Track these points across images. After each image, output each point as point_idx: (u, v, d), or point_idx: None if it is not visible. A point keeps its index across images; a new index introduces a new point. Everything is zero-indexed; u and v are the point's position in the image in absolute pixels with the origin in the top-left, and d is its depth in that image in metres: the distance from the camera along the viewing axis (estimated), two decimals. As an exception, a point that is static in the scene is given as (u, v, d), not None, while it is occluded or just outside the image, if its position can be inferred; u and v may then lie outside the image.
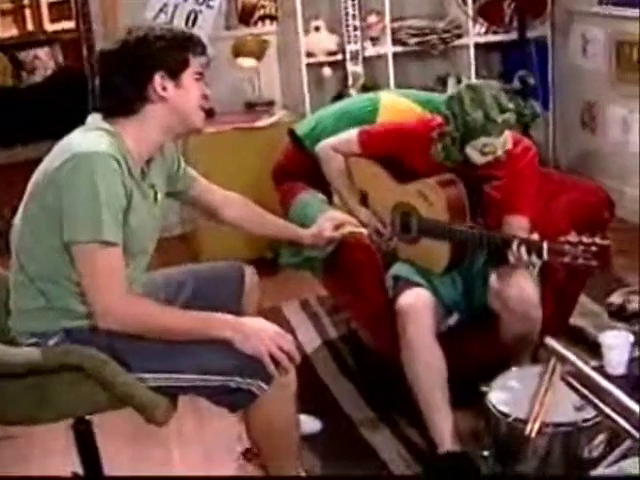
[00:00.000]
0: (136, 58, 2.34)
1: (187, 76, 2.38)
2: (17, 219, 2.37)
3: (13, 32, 8.31)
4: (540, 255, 2.61)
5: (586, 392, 2.04)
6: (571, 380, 2.09)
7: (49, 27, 8.33)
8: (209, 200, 2.79)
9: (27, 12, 8.31)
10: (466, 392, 2.76)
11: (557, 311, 3.19)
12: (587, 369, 1.97)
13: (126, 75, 2.34)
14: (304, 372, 3.48)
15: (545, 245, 2.60)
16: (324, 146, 3.27)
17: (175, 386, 2.31)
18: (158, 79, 2.33)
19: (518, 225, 2.91)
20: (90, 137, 2.29)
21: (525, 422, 2.46)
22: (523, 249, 2.64)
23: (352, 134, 3.19)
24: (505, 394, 2.62)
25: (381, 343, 3.12)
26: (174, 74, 2.36)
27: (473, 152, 2.85)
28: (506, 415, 2.52)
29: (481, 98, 2.78)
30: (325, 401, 3.35)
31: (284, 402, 2.35)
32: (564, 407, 2.45)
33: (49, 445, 2.99)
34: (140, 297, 2.35)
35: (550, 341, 2.10)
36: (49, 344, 2.32)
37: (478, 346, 3.03)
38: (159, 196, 2.48)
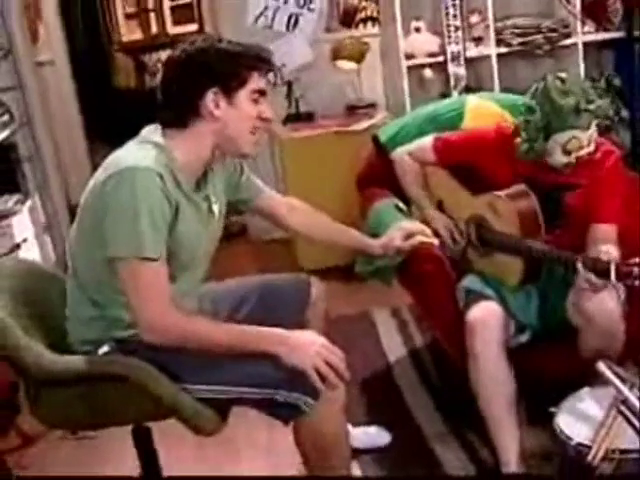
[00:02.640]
0: (193, 70, 2.30)
1: (243, 95, 2.31)
2: (73, 227, 2.41)
3: (138, 35, 8.54)
4: (608, 277, 2.46)
5: (636, 422, 1.91)
6: (623, 408, 1.97)
7: (172, 30, 8.50)
8: (274, 209, 2.76)
9: (151, 15, 8.51)
10: (540, 410, 2.63)
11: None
12: (634, 399, 1.84)
13: (181, 87, 2.31)
14: (383, 381, 3.52)
15: (613, 266, 2.44)
16: (400, 153, 3.20)
17: (222, 398, 2.28)
18: (211, 95, 2.28)
19: (603, 235, 2.78)
20: (135, 151, 2.28)
21: (590, 447, 2.34)
22: (588, 270, 2.50)
23: (427, 141, 3.12)
24: (573, 416, 2.49)
25: (454, 354, 3.03)
26: (229, 91, 2.30)
27: (555, 149, 2.75)
28: (570, 439, 2.40)
29: (569, 88, 2.71)
30: (400, 412, 3.28)
31: (332, 417, 2.29)
32: (633, 433, 2.31)
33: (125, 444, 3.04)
34: (183, 312, 2.31)
35: (601, 366, 1.98)
36: (100, 352, 2.35)
37: (553, 363, 2.88)
38: (215, 207, 2.46)
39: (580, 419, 2.47)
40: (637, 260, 2.39)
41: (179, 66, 2.33)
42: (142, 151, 2.28)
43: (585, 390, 2.60)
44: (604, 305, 2.66)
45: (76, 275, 2.38)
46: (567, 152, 2.74)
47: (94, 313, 2.35)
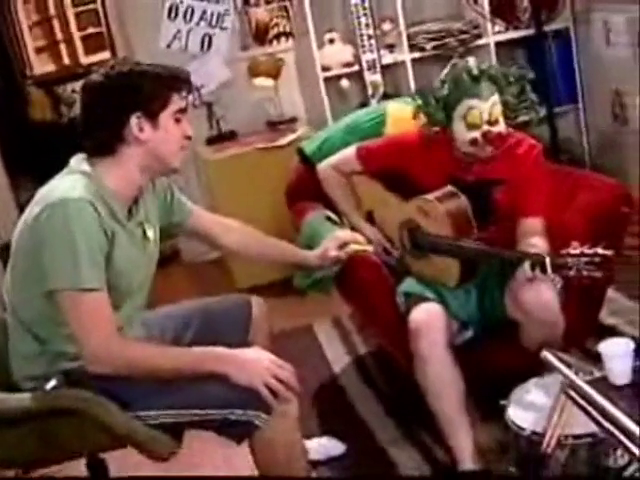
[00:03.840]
0: (115, 94, 2.29)
1: (166, 116, 2.32)
2: (8, 266, 2.37)
3: (50, 68, 8.43)
4: (544, 270, 2.52)
5: (586, 405, 1.95)
6: (572, 393, 2.01)
7: (85, 60, 8.41)
8: (208, 229, 2.76)
9: (62, 47, 8.41)
10: (492, 405, 2.67)
11: (584, 311, 3.09)
12: (581, 383, 1.89)
13: (103, 113, 2.30)
14: (331, 392, 3.52)
15: (547, 260, 2.50)
16: (324, 165, 3.24)
17: (175, 422, 2.28)
18: (135, 120, 2.28)
19: (531, 228, 2.84)
20: (65, 183, 2.26)
21: (544, 435, 2.37)
22: (527, 264, 2.55)
23: (350, 151, 3.15)
24: (523, 407, 2.54)
25: (399, 359, 3.05)
26: (152, 115, 2.29)
27: (459, 126, 2.83)
28: (523, 429, 2.44)
29: (472, 64, 2.86)
30: (351, 421, 3.29)
31: (286, 430, 2.30)
32: (584, 417, 2.35)
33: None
34: (128, 340, 2.32)
35: (546, 354, 2.02)
36: (47, 387, 2.31)
37: (500, 358, 2.92)
38: (149, 233, 2.45)
39: (530, 409, 2.51)
40: (570, 251, 2.45)
41: (100, 91, 2.31)
42: (71, 182, 2.26)
43: (532, 381, 2.65)
44: (541, 297, 2.71)
45: (15, 312, 2.35)
46: (470, 126, 2.80)
47: (37, 348, 2.32)
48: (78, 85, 8.67)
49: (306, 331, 4.14)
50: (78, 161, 2.36)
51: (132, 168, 2.33)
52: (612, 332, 3.45)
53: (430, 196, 2.86)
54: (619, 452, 2.36)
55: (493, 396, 2.65)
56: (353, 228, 3.11)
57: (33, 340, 2.32)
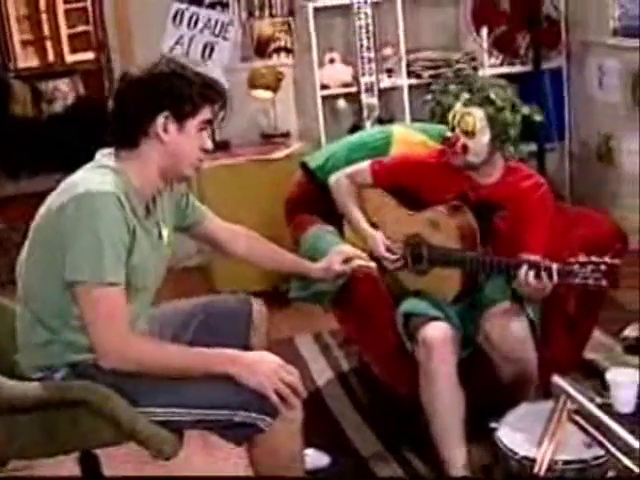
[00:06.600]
0: (149, 92, 2.32)
1: (193, 124, 2.35)
2: (22, 254, 2.38)
3: (34, 63, 8.42)
4: (550, 277, 2.59)
5: (592, 430, 2.01)
6: (578, 418, 2.07)
7: (69, 58, 8.43)
8: (217, 235, 2.80)
9: (48, 43, 8.41)
10: (478, 426, 2.71)
11: (569, 344, 3.16)
12: (592, 407, 1.94)
13: (135, 106, 2.33)
14: (314, 405, 3.54)
15: (555, 267, 2.59)
16: (337, 176, 3.28)
17: (180, 420, 2.30)
18: (161, 119, 2.31)
19: None
20: (93, 176, 2.28)
21: (534, 460, 2.43)
22: (532, 273, 2.63)
23: (364, 165, 3.22)
24: (514, 431, 2.58)
25: (391, 377, 3.10)
26: (180, 118, 2.33)
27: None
28: (515, 453, 2.49)
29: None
30: (334, 435, 3.32)
31: (289, 436, 2.33)
32: (574, 444, 2.40)
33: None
34: (141, 336, 2.34)
35: (557, 379, 2.08)
36: (55, 378, 2.33)
37: (487, 379, 2.98)
38: (164, 232, 2.48)
39: (522, 433, 2.56)
40: (579, 259, 2.53)
41: (139, 85, 2.34)
42: (99, 175, 2.29)
43: (523, 405, 2.70)
44: (509, 333, 2.79)
45: (27, 300, 2.36)
46: (451, 128, 2.92)
47: (48, 338, 2.33)
48: (60, 82, 8.65)
49: (288, 343, 4.16)
50: (104, 156, 2.38)
51: (152, 166, 2.36)
52: (590, 367, 3.54)
53: (441, 208, 2.94)
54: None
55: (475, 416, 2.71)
56: (353, 244, 3.15)
57: (44, 330, 2.33)
